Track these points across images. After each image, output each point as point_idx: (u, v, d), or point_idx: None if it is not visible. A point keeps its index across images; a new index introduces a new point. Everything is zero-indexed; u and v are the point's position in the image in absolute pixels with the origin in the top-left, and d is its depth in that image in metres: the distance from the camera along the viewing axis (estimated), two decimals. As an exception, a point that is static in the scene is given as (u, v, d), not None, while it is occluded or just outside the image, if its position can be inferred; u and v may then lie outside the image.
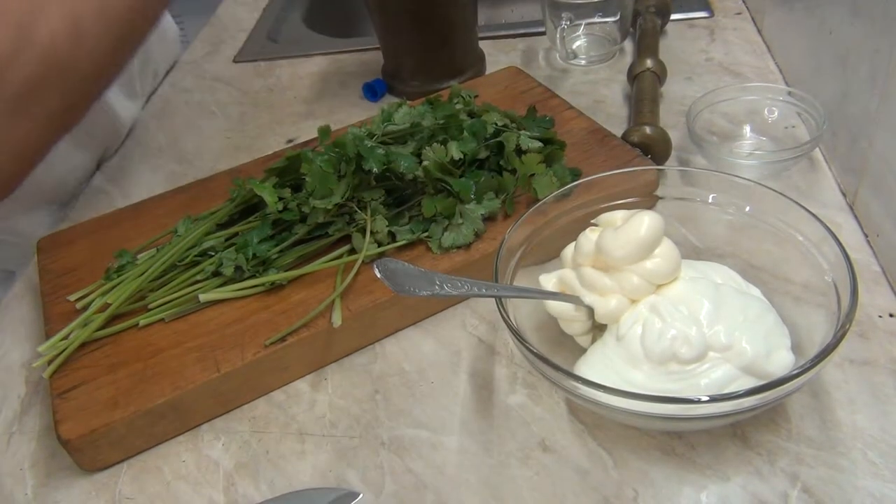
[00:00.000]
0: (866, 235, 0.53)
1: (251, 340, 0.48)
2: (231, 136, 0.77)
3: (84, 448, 0.45)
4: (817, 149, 0.60)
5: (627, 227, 0.42)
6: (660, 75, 0.68)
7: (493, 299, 0.43)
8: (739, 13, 0.82)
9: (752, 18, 0.80)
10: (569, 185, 0.49)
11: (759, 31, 0.78)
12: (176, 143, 0.77)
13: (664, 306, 0.41)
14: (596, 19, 0.77)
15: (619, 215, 0.44)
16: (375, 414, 0.47)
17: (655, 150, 0.59)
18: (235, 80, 0.86)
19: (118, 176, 0.74)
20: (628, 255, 0.42)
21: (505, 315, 0.41)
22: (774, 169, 0.57)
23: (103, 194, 0.71)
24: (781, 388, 0.36)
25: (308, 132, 0.73)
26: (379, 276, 0.40)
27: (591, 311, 0.43)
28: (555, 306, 0.44)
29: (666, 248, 0.42)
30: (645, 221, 0.42)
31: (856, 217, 0.54)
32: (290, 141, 0.73)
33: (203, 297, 0.50)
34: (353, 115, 0.74)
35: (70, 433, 0.44)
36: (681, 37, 0.79)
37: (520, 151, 0.56)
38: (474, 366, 0.49)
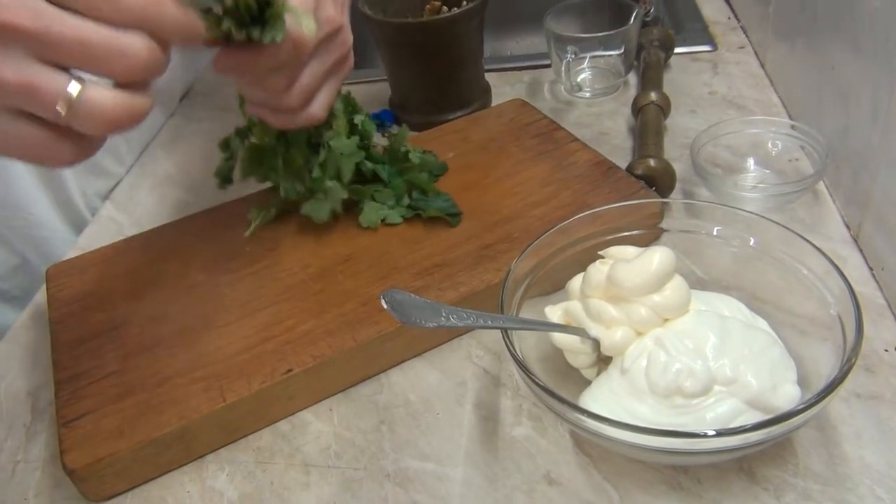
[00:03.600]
0: (871, 269, 0.53)
1: (257, 370, 0.48)
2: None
3: (89, 478, 0.45)
4: (821, 182, 0.61)
5: (640, 259, 0.43)
6: (664, 108, 0.69)
7: (499, 330, 0.43)
8: (742, 47, 0.83)
9: (755, 52, 0.81)
10: (573, 217, 0.49)
11: (762, 65, 0.78)
12: (185, 172, 0.77)
13: (669, 339, 0.41)
14: (600, 52, 0.78)
15: (629, 250, 0.45)
16: (380, 445, 0.47)
17: (660, 182, 0.60)
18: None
19: (127, 204, 0.74)
20: (640, 285, 0.42)
21: (510, 347, 0.41)
22: (778, 202, 0.58)
23: (112, 223, 0.72)
24: (788, 422, 0.36)
25: (315, 162, 0.73)
26: (385, 307, 0.40)
27: (596, 343, 0.43)
28: (560, 338, 0.44)
29: (676, 283, 0.43)
30: (657, 256, 0.42)
31: (860, 250, 0.54)
32: (297, 171, 0.74)
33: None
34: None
35: (75, 462, 0.44)
36: (684, 70, 0.80)
37: None
38: (479, 397, 0.49)
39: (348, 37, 0.53)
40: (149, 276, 0.58)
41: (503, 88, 0.82)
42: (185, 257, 0.60)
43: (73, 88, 0.34)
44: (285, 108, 0.51)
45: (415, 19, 0.76)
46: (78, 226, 0.73)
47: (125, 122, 0.36)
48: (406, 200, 0.60)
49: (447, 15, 0.73)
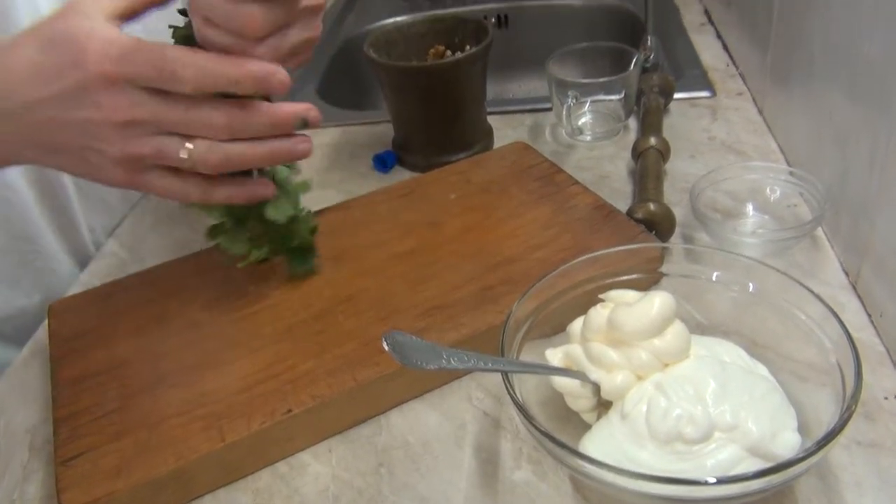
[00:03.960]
0: (870, 315, 0.53)
1: (257, 410, 0.48)
2: (243, 203, 0.78)
3: (85, 517, 0.44)
4: (819, 228, 0.61)
5: (641, 304, 0.43)
6: (663, 153, 0.70)
7: (499, 373, 0.43)
8: (741, 93, 0.84)
9: (753, 99, 0.82)
10: (574, 261, 0.50)
11: (760, 112, 0.80)
12: (188, 210, 0.78)
13: (670, 385, 0.41)
14: (601, 97, 0.79)
15: (630, 294, 0.45)
16: (379, 488, 0.46)
17: (660, 226, 0.60)
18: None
19: (131, 241, 0.75)
20: (641, 329, 0.42)
21: (511, 390, 0.41)
22: (777, 247, 0.58)
23: (115, 259, 0.72)
24: (788, 471, 0.36)
25: (319, 202, 0.74)
26: (387, 348, 0.40)
27: (596, 387, 0.43)
28: (560, 382, 0.44)
29: (677, 328, 0.43)
30: (657, 300, 0.43)
31: (859, 296, 0.55)
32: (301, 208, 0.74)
33: None
34: (363, 185, 0.76)
35: (72, 502, 0.44)
36: (684, 115, 0.81)
37: None
38: (479, 440, 0.48)
39: (320, 25, 0.52)
40: (151, 314, 0.59)
41: (505, 131, 0.83)
42: (188, 295, 0.60)
43: (188, 146, 0.46)
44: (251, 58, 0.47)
45: (419, 63, 0.78)
46: (83, 260, 0.74)
47: (227, 165, 0.48)
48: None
49: (451, 59, 0.74)
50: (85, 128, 0.45)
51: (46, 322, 0.61)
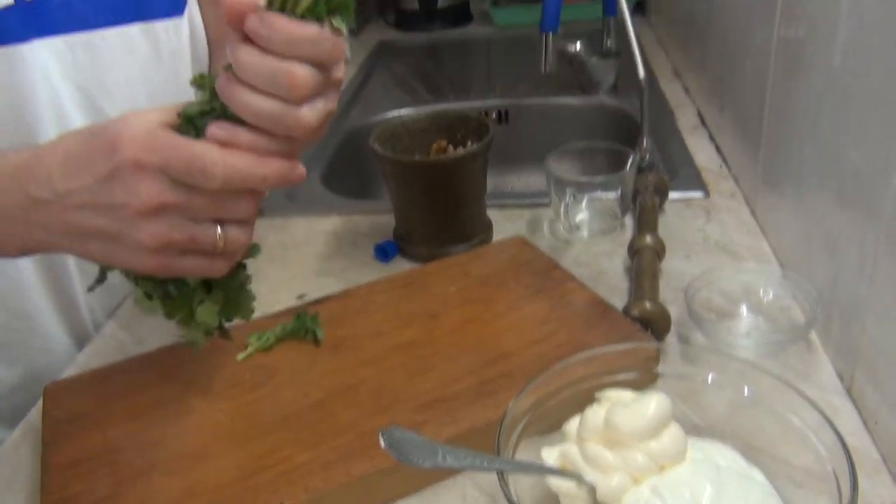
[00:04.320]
0: (865, 421, 0.53)
1: (250, 502, 0.48)
2: (244, 288, 0.79)
3: None
4: (813, 331, 0.62)
5: (637, 405, 0.43)
6: (659, 252, 0.71)
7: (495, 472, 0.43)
8: (734, 195, 0.86)
9: (746, 200, 0.85)
10: (571, 358, 0.50)
11: (753, 213, 0.82)
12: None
13: (666, 488, 0.41)
14: (598, 194, 0.81)
15: (626, 394, 0.46)
16: (371, 587, 0.45)
17: (655, 325, 0.61)
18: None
19: (131, 322, 0.75)
20: (638, 431, 0.43)
21: (506, 489, 0.41)
22: (771, 349, 0.59)
23: (114, 341, 0.73)
24: (785, 582, 0.35)
25: (320, 289, 0.75)
26: (384, 445, 0.41)
27: (592, 489, 0.43)
28: (556, 483, 0.44)
29: (673, 431, 0.43)
30: (653, 402, 0.43)
31: (853, 402, 0.55)
32: (301, 296, 0.76)
33: None
34: (363, 274, 0.77)
35: None
36: (679, 215, 0.83)
37: None
38: (474, 539, 0.48)
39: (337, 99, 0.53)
40: (147, 399, 0.59)
41: (504, 224, 0.85)
42: (184, 381, 0.60)
43: (219, 233, 0.49)
44: (295, 127, 0.47)
45: (422, 158, 0.80)
46: (81, 340, 0.74)
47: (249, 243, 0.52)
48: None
49: (453, 155, 0.77)
50: (117, 214, 0.46)
51: (40, 403, 0.61)
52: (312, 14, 0.46)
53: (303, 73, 0.45)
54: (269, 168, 0.47)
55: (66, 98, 0.65)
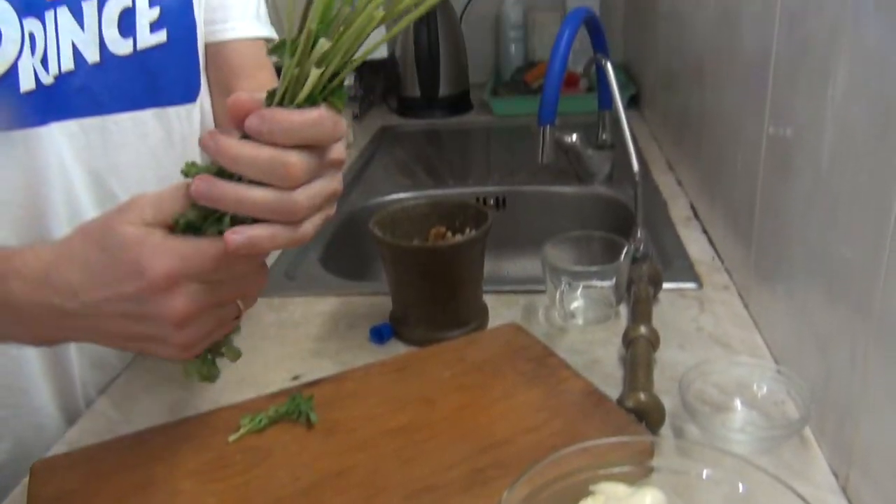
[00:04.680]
0: (861, 521, 0.53)
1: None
2: (238, 367, 0.79)
3: None
4: (807, 427, 0.62)
5: (632, 500, 0.43)
6: (653, 342, 0.72)
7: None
8: (727, 287, 0.88)
9: (739, 293, 0.86)
10: (565, 450, 0.50)
11: (746, 306, 0.83)
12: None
13: (661, 588, 0.41)
14: (594, 282, 0.83)
15: (621, 488, 0.46)
16: None
17: (650, 417, 0.61)
18: (250, 314, 0.90)
19: (122, 400, 0.75)
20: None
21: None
22: (766, 445, 0.59)
23: (105, 418, 0.72)
24: None
25: (314, 370, 0.75)
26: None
27: (586, 586, 0.42)
28: (550, 578, 0.44)
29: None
30: (648, 498, 0.43)
31: (849, 500, 0.55)
32: (296, 377, 0.75)
33: None
34: (358, 356, 0.77)
35: None
36: (672, 305, 0.84)
37: None
38: None
39: (341, 178, 0.56)
40: (135, 480, 0.58)
41: (500, 310, 0.86)
42: (174, 462, 0.59)
43: (239, 305, 0.55)
44: (293, 211, 0.49)
45: (420, 243, 0.82)
46: (72, 416, 0.73)
47: None
48: None
49: (451, 242, 0.78)
50: (155, 323, 0.50)
51: (26, 480, 0.60)
52: (310, 102, 0.49)
53: (297, 160, 0.47)
54: (282, 237, 0.50)
55: (76, 179, 0.67)
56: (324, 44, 0.47)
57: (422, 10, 0.48)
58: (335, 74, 0.49)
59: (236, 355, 0.61)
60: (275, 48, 0.49)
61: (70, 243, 0.50)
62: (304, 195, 0.49)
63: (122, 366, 0.80)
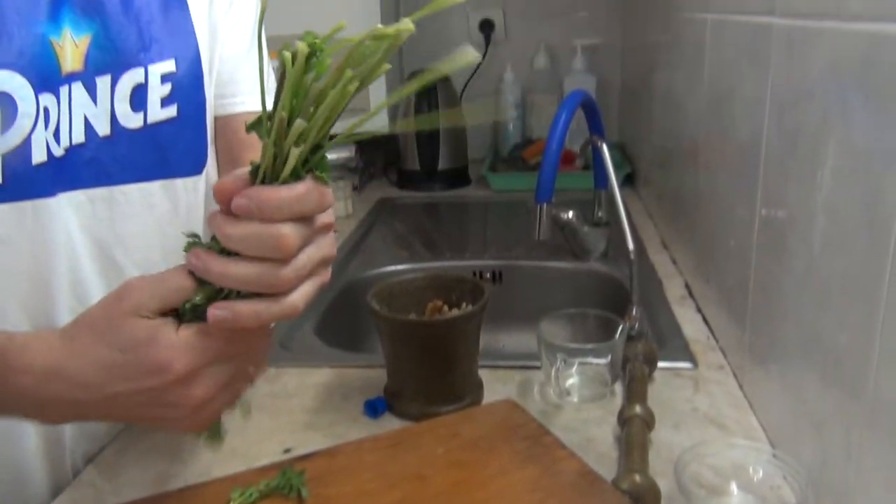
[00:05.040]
0: None
1: None
2: (229, 438, 0.78)
3: None
4: (804, 513, 0.61)
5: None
6: (648, 422, 0.72)
7: None
8: (721, 367, 0.88)
9: (734, 373, 0.86)
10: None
11: (741, 387, 0.83)
12: (172, 444, 0.78)
13: None
14: (589, 360, 0.83)
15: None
16: None
17: (645, 499, 0.60)
18: (243, 383, 0.90)
19: (110, 471, 0.73)
20: None
21: None
22: (763, 530, 0.58)
23: (92, 489, 0.71)
24: None
25: (307, 443, 0.74)
26: None
27: None
28: None
29: None
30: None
31: (847, 591, 0.54)
32: (287, 450, 0.75)
33: None
34: (351, 429, 0.77)
35: None
36: (668, 384, 0.84)
37: None
38: None
39: (334, 242, 0.57)
40: (120, 554, 0.57)
41: (495, 385, 0.86)
42: (161, 536, 0.58)
43: (251, 371, 0.57)
44: (276, 285, 0.50)
45: (417, 318, 0.82)
46: (59, 486, 0.72)
47: None
48: None
49: (448, 317, 0.79)
50: (167, 410, 0.52)
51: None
52: (294, 177, 0.50)
53: (289, 231, 0.49)
54: (284, 306, 0.52)
55: (81, 248, 0.68)
56: (299, 125, 0.47)
57: (416, 84, 0.50)
58: (318, 146, 0.50)
59: (246, 411, 0.63)
60: (252, 125, 0.50)
61: (79, 340, 0.52)
62: (289, 267, 0.50)
63: (111, 434, 0.79)
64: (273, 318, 0.52)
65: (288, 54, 0.47)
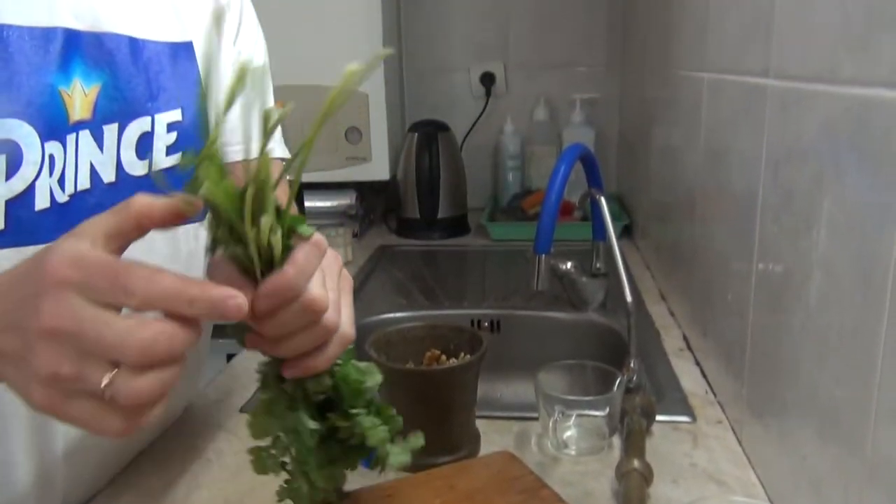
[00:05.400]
0: None
1: None
2: (223, 486, 0.77)
3: None
4: (804, 572, 0.61)
5: None
6: (647, 476, 0.71)
7: None
8: (720, 421, 0.87)
9: (732, 428, 0.85)
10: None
11: (740, 442, 0.82)
12: (169, 490, 0.77)
13: None
14: (587, 412, 0.82)
15: None
16: None
17: (643, 556, 0.60)
18: (238, 429, 0.89)
19: (101, 518, 0.73)
20: None
21: None
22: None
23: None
24: None
25: (301, 494, 0.73)
26: None
27: None
28: None
29: None
30: None
31: None
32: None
33: None
34: (347, 480, 0.76)
35: None
36: (666, 438, 0.84)
37: None
38: None
39: (336, 254, 0.57)
40: None
41: (492, 436, 0.85)
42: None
43: (109, 375, 0.43)
44: (325, 331, 0.53)
45: (415, 366, 0.82)
46: None
47: (155, 397, 0.45)
48: None
49: (446, 366, 0.79)
50: (22, 335, 0.44)
51: None
52: (286, 252, 0.50)
53: (315, 295, 0.51)
54: (198, 289, 0.45)
55: None
56: (266, 221, 0.48)
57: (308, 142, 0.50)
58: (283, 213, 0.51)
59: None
60: (233, 257, 0.50)
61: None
62: (329, 312, 0.53)
63: (106, 479, 0.78)
64: (339, 352, 0.56)
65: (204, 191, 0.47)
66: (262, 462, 0.59)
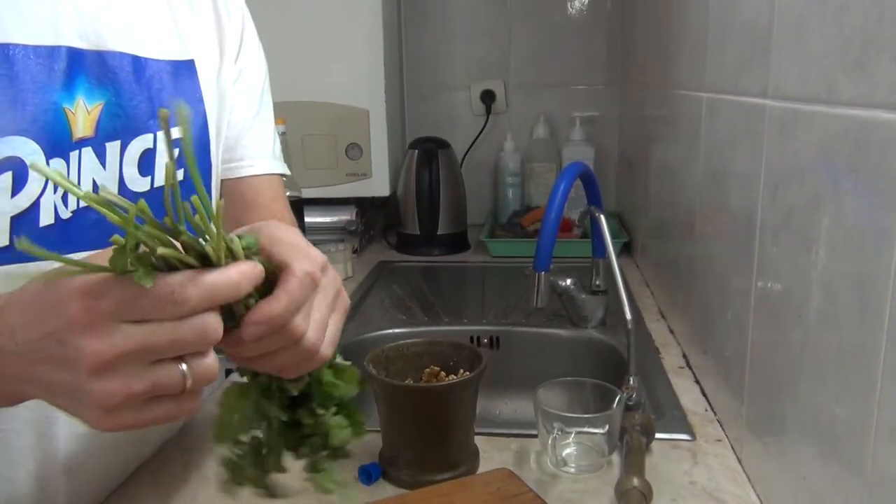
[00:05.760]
0: None
1: None
2: (222, 503, 0.77)
3: None
4: (804, 592, 0.60)
5: None
6: (646, 495, 0.71)
7: None
8: (720, 440, 0.87)
9: (732, 446, 0.85)
10: None
11: (740, 461, 0.82)
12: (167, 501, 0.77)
13: None
14: (586, 429, 0.82)
15: None
16: None
17: (643, 575, 0.59)
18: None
19: (99, 534, 0.72)
20: None
21: None
22: None
23: (80, 553, 0.69)
24: None
25: (299, 511, 0.73)
26: None
27: None
28: None
29: None
30: None
31: None
32: (279, 517, 0.73)
33: None
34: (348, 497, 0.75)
35: None
36: (665, 456, 0.83)
37: None
38: None
39: (336, 273, 0.58)
40: None
41: (491, 453, 0.85)
42: None
43: (184, 369, 0.46)
44: (305, 353, 0.53)
45: (414, 383, 0.82)
46: None
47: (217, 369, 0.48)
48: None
49: (445, 383, 0.79)
50: (66, 373, 0.44)
51: None
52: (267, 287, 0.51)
53: (297, 323, 0.52)
54: (242, 272, 0.48)
55: None
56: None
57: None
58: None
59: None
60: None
61: (23, 287, 0.48)
62: (309, 331, 0.53)
63: (106, 494, 0.78)
64: (312, 368, 0.56)
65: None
66: (236, 472, 0.60)
